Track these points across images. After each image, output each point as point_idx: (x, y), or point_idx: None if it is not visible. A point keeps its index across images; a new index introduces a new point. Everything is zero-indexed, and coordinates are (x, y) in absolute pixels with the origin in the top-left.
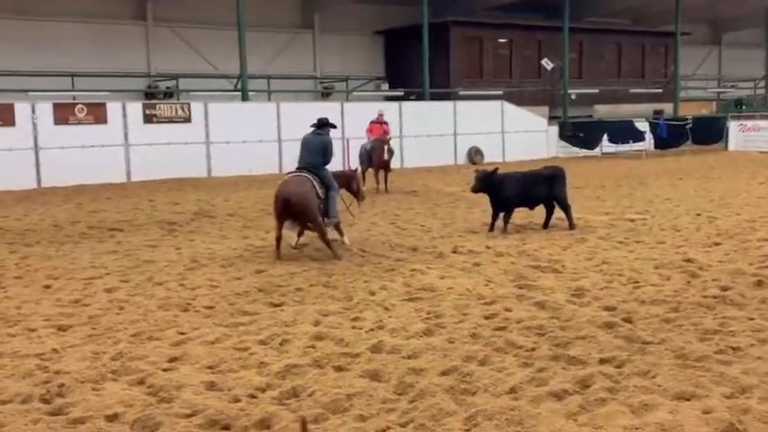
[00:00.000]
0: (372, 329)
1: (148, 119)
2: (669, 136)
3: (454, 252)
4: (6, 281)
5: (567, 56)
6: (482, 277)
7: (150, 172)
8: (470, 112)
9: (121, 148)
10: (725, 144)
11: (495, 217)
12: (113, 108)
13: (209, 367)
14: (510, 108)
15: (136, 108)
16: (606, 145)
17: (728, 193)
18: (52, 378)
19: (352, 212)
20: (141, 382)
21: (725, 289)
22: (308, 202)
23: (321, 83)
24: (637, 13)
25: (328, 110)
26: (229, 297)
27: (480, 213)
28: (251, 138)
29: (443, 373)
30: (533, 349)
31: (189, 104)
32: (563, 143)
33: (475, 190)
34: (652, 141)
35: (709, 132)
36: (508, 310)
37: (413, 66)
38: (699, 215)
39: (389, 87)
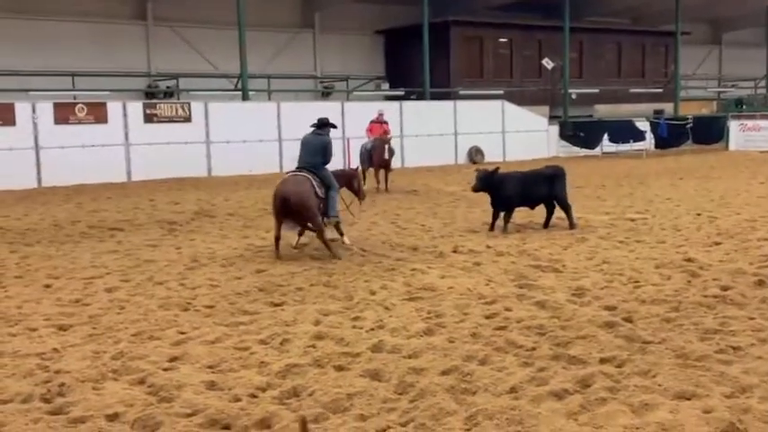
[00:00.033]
0: (373, 329)
1: (149, 118)
2: (669, 135)
3: (455, 251)
4: (7, 280)
5: (567, 55)
6: (482, 277)
7: (151, 171)
8: (471, 112)
9: (122, 147)
10: (725, 144)
11: (495, 216)
12: (114, 108)
13: (210, 367)
14: (510, 108)
15: (136, 108)
16: (607, 144)
17: (729, 192)
18: (53, 377)
19: (351, 212)
20: (142, 382)
21: (725, 288)
22: (307, 202)
23: (321, 82)
24: (637, 13)
25: (329, 109)
26: (230, 296)
27: (481, 213)
28: (251, 137)
29: (444, 373)
30: (534, 349)
31: (189, 104)
32: (563, 143)
33: (476, 189)
34: (652, 141)
35: (709, 132)
36: (508, 309)
37: (413, 65)
38: (699, 215)
39: (390, 87)
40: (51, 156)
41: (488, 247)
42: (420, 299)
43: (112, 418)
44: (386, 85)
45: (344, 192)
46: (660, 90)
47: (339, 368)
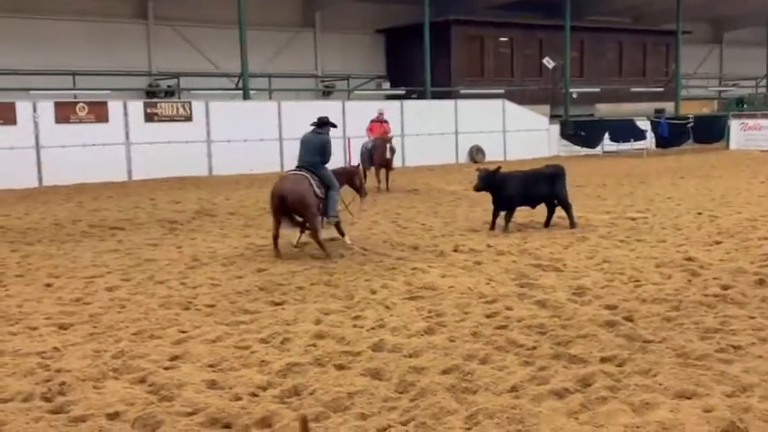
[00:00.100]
0: (373, 328)
1: (149, 117)
2: (670, 135)
3: (455, 251)
4: (8, 279)
5: (568, 54)
6: (483, 276)
7: (151, 170)
8: (472, 111)
9: (123, 146)
10: (726, 143)
11: (495, 215)
12: (114, 107)
13: (211, 366)
14: (511, 107)
15: (137, 107)
16: (607, 144)
17: (730, 191)
18: (53, 376)
19: (351, 212)
20: (142, 381)
21: (726, 288)
22: (305, 200)
23: (322, 81)
24: (638, 12)
25: (329, 108)
26: (230, 296)
27: (482, 212)
28: (252, 136)
29: (444, 372)
30: (534, 348)
31: (190, 103)
32: (564, 142)
33: (477, 188)
34: (653, 140)
35: (710, 131)
36: (509, 308)
37: (414, 64)
38: (700, 214)
39: (391, 86)
40: (52, 155)
41: (489, 246)
42: (421, 298)
43: (113, 416)
44: (387, 85)
45: (344, 191)
46: (661, 89)
47: (340, 367)
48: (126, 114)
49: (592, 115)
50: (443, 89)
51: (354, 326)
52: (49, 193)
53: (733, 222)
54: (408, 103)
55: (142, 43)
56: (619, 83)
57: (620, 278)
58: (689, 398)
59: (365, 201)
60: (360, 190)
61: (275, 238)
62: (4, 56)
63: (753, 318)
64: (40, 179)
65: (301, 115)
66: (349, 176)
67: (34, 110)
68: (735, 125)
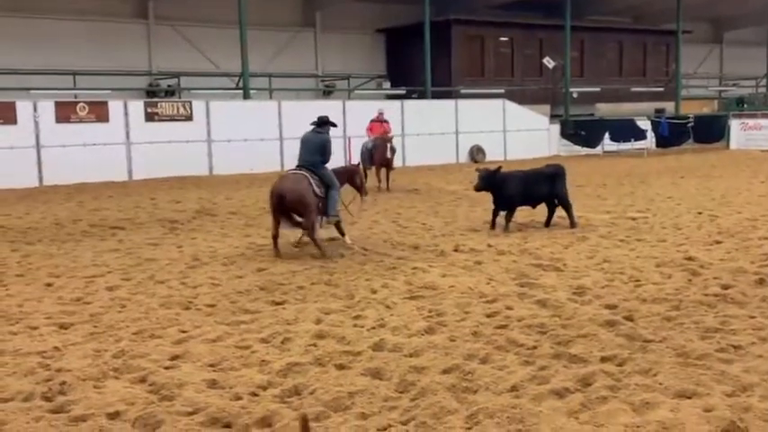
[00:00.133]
0: (374, 328)
1: (150, 117)
2: (671, 134)
3: (456, 250)
4: (8, 279)
5: (568, 54)
6: (484, 275)
7: (152, 170)
8: (472, 111)
9: (123, 146)
10: (726, 143)
11: (496, 214)
12: (115, 106)
13: (211, 365)
14: (511, 106)
15: (137, 106)
16: (608, 143)
17: (730, 191)
18: (54, 376)
19: (350, 212)
20: (143, 380)
21: (726, 287)
22: (303, 199)
23: (323, 81)
24: (638, 12)
25: (330, 108)
26: (231, 295)
27: (482, 212)
28: (252, 136)
29: (445, 372)
30: (535, 347)
31: (190, 103)
32: (564, 141)
33: (478, 188)
34: (653, 140)
35: (710, 131)
36: (509, 308)
37: (414, 64)
38: (700, 213)
39: (391, 86)
40: (53, 154)
41: (489, 245)
42: (421, 297)
43: (113, 416)
44: (387, 84)
45: (344, 191)
46: (661, 89)
47: (340, 367)
48: (126, 114)
49: (592, 115)
50: (444, 89)
51: (355, 325)
52: (50, 192)
53: (733, 222)
54: (409, 103)
55: (142, 43)
56: (619, 83)
57: (620, 278)
58: (689, 397)
59: (366, 200)
60: (360, 189)
61: (275, 237)
62: (5, 55)
63: (753, 317)
64: (41, 179)
65: (302, 115)
66: (350, 175)
67: (35, 109)
68: (735, 125)
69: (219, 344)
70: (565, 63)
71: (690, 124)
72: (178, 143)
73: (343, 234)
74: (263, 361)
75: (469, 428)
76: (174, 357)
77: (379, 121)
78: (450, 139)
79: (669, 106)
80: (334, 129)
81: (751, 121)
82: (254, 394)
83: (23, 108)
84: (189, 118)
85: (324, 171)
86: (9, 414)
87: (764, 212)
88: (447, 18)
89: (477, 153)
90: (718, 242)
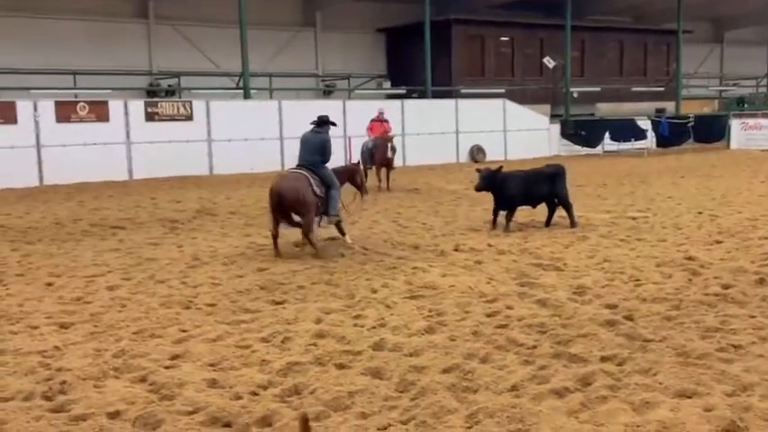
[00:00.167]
0: (374, 327)
1: (150, 117)
2: (671, 134)
3: (456, 250)
4: (8, 278)
5: (568, 54)
6: (484, 275)
7: (152, 170)
8: (472, 111)
9: (123, 145)
10: (727, 142)
11: (496, 214)
12: (115, 106)
13: (211, 365)
14: (512, 106)
15: (138, 106)
16: (608, 143)
17: (730, 191)
18: (54, 375)
19: (350, 211)
20: (143, 380)
21: (726, 287)
22: (302, 198)
23: (323, 81)
24: (639, 11)
25: (330, 108)
26: (231, 295)
27: (482, 211)
28: (253, 135)
29: (445, 371)
30: (535, 347)
31: (191, 102)
32: (565, 141)
33: (479, 188)
34: (654, 139)
35: (711, 131)
36: (510, 307)
37: (415, 64)
38: (700, 213)
39: (391, 85)
40: (53, 154)
41: (490, 245)
42: (421, 297)
43: (114, 415)
44: (387, 84)
45: (344, 190)
46: (662, 89)
47: (340, 366)
48: (127, 114)
49: (592, 115)
50: (444, 88)
51: (355, 325)
52: (50, 192)
53: (733, 222)
54: (409, 103)
55: (143, 42)
56: (619, 82)
57: (620, 277)
58: (689, 397)
59: (366, 200)
60: (361, 188)
61: (275, 237)
62: (5, 55)
63: (753, 317)
64: (41, 178)
65: (302, 114)
66: (350, 174)
67: (35, 109)
68: (735, 125)
69: (220, 343)
70: (565, 63)
71: (690, 124)
72: (178, 143)
73: (343, 234)
74: (263, 360)
75: (469, 428)
76: (175, 357)
77: (380, 120)
78: (451, 139)
79: (670, 106)
80: (334, 128)
81: (751, 121)
82: (255, 394)
83: (24, 108)
84: (189, 118)
85: (324, 171)
86: (9, 413)
87: (765, 212)
88: (447, 18)
89: (477, 153)
90: (718, 242)
